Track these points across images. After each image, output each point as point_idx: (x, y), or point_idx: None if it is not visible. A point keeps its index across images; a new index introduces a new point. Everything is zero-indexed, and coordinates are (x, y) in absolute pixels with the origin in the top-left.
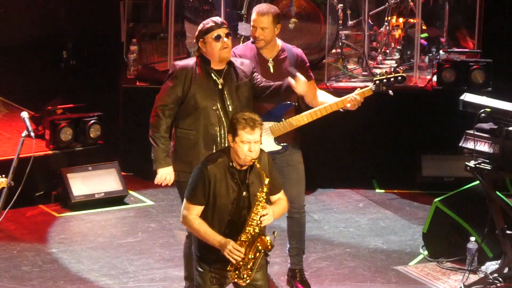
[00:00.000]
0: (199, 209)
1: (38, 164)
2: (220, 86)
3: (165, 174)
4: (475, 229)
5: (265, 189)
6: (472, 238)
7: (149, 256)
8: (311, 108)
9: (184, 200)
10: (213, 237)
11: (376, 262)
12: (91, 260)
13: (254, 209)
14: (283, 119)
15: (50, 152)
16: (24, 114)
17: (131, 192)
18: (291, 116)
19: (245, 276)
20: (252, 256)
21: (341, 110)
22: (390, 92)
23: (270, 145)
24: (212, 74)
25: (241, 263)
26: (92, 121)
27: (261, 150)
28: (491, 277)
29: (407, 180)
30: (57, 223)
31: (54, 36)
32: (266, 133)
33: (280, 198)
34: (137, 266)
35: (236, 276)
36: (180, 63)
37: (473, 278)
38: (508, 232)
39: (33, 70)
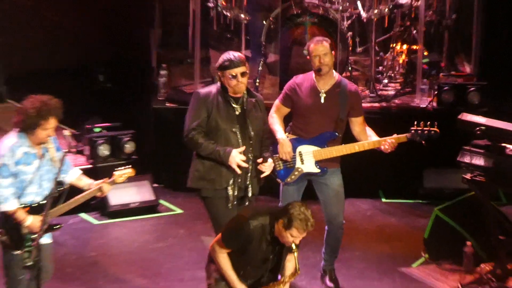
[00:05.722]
0: (230, 251)
1: None
2: (237, 112)
3: (235, 158)
4: (471, 235)
5: (291, 278)
6: (469, 243)
7: (179, 259)
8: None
9: (220, 237)
10: (232, 278)
11: (382, 264)
12: (126, 262)
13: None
14: (326, 146)
15: (89, 166)
16: (66, 132)
17: (162, 201)
18: (334, 145)
19: None
20: None
21: (377, 149)
22: (423, 142)
23: (311, 167)
24: (230, 101)
25: None
26: (127, 138)
27: None
28: (485, 277)
29: (410, 191)
30: (96, 230)
31: (92, 62)
32: (308, 156)
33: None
34: (167, 268)
35: None
36: (203, 91)
37: (469, 278)
38: (500, 237)
39: (73, 92)
